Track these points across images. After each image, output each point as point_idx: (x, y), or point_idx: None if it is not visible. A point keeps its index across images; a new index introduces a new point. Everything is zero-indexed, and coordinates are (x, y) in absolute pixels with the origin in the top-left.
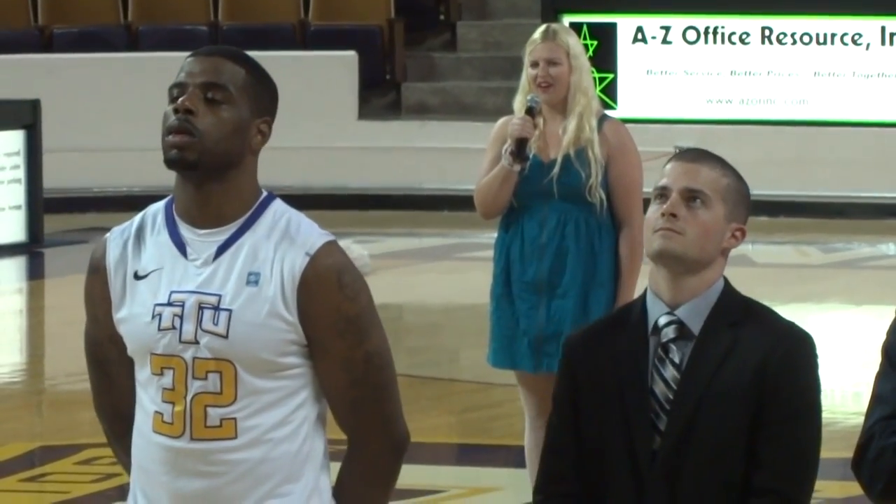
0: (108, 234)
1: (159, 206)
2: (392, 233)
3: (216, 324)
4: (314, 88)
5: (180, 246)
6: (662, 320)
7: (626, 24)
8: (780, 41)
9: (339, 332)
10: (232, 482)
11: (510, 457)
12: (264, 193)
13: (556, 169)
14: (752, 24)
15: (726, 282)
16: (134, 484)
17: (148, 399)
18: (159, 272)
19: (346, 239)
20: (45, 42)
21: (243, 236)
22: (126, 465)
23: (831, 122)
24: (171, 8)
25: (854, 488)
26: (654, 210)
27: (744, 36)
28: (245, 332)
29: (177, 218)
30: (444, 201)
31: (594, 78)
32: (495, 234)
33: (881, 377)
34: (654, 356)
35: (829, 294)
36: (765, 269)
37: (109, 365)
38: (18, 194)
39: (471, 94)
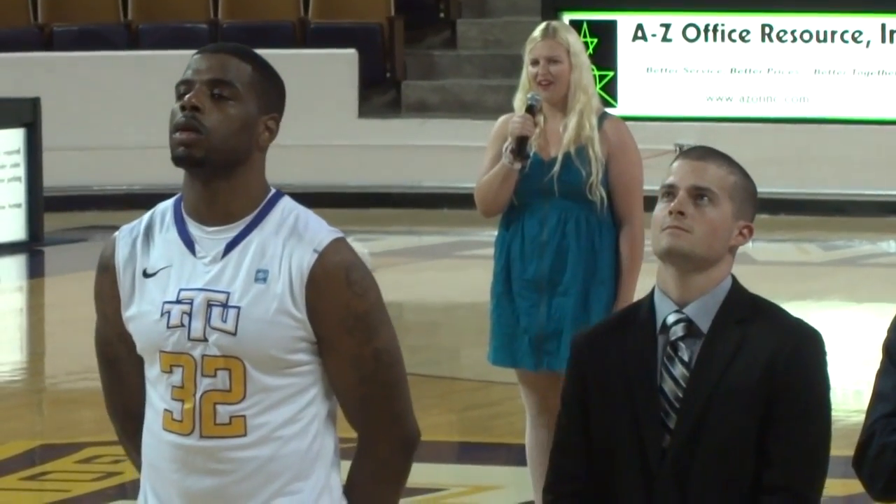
0: (116, 233)
1: (168, 204)
2: (392, 231)
3: (225, 321)
4: (314, 86)
5: (189, 243)
6: (671, 318)
7: (626, 22)
8: (780, 39)
9: (348, 329)
10: (241, 480)
11: (511, 455)
12: (272, 190)
13: (557, 167)
14: (752, 21)
15: (734, 279)
16: (144, 482)
17: (157, 397)
18: (168, 270)
19: (346, 237)
20: (45, 40)
21: (251, 233)
22: (137, 463)
23: (831, 120)
24: (172, 6)
25: (855, 486)
26: (661, 208)
27: (744, 33)
28: (254, 329)
29: (185, 216)
30: (444, 199)
31: (594, 76)
32: (495, 233)
33: (882, 374)
34: (662, 354)
35: (829, 292)
36: (765, 267)
37: (119, 363)
38: (18, 192)
39: (471, 92)
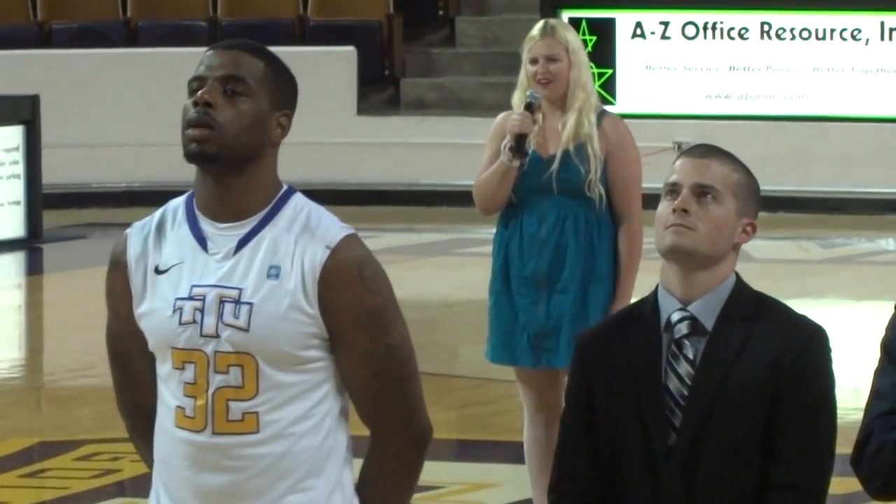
0: (128, 230)
1: (179, 200)
2: (390, 228)
3: (237, 317)
4: (313, 84)
5: (201, 240)
6: (675, 316)
7: (624, 20)
8: (779, 36)
9: (361, 326)
10: (254, 477)
11: (509, 452)
12: (284, 187)
13: (556, 164)
14: (751, 19)
15: (738, 277)
16: (156, 479)
17: (169, 394)
18: (180, 266)
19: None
20: (44, 37)
21: (264, 230)
22: (148, 461)
23: (830, 118)
24: (170, 3)
25: (853, 484)
26: (664, 206)
27: (743, 31)
28: (266, 325)
29: (197, 212)
30: (442, 197)
31: (593, 73)
32: (494, 230)
33: (880, 373)
34: (667, 352)
35: (828, 289)
36: (764, 265)
37: (131, 361)
38: (17, 190)
39: (469, 90)
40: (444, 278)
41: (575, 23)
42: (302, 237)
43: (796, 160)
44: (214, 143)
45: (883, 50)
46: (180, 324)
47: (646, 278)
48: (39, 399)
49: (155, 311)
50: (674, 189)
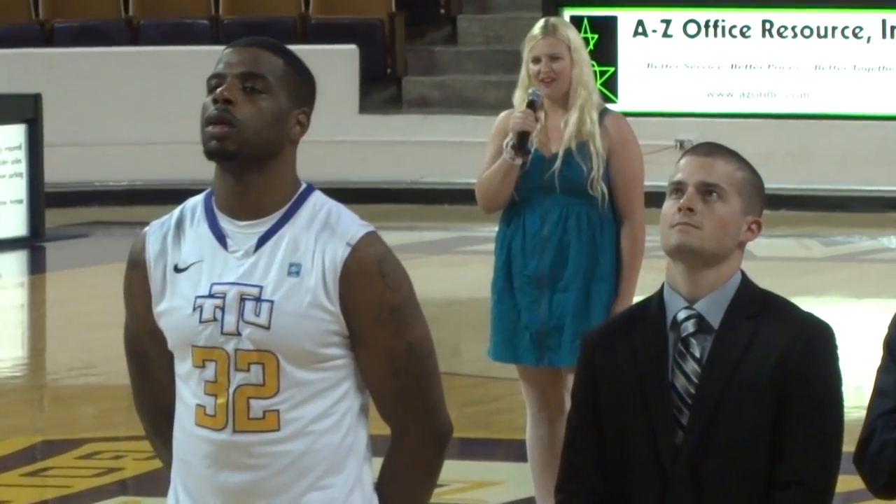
0: (146, 228)
1: (198, 198)
2: (393, 226)
3: (258, 315)
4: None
5: (220, 238)
6: (681, 315)
7: (626, 18)
8: (780, 34)
9: (382, 323)
10: (274, 475)
11: (511, 451)
12: (303, 184)
13: (558, 163)
14: (752, 17)
15: (743, 275)
16: (175, 478)
17: (189, 392)
18: (199, 265)
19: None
20: (46, 36)
21: (284, 227)
22: (166, 460)
23: (832, 116)
24: (172, 2)
25: (856, 482)
26: (669, 205)
27: (744, 29)
28: (287, 322)
29: (216, 210)
30: (444, 195)
31: (595, 71)
32: (496, 228)
33: (882, 371)
34: (674, 351)
35: (830, 287)
36: (766, 263)
37: (149, 360)
38: (20, 188)
39: (472, 88)
40: (447, 276)
41: (577, 21)
42: (322, 235)
43: (798, 158)
44: (234, 140)
45: (884, 48)
46: (200, 322)
47: (648, 276)
48: (42, 398)
49: (174, 310)
50: (679, 188)
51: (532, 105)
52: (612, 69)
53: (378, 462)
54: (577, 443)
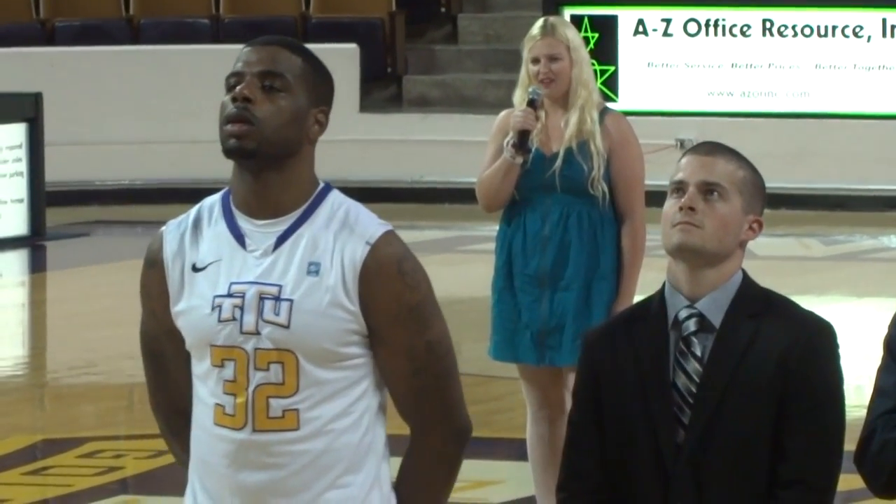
0: (163, 228)
1: (215, 198)
2: (393, 225)
3: (277, 314)
4: None
5: (239, 237)
6: (683, 314)
7: (627, 17)
8: (781, 33)
9: (401, 322)
10: (294, 474)
11: (512, 450)
12: (322, 183)
13: (559, 162)
14: (753, 16)
15: (745, 274)
16: (192, 478)
17: (207, 392)
18: (217, 264)
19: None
20: (47, 35)
21: (302, 226)
22: (182, 460)
23: (832, 115)
24: (173, 1)
25: (856, 481)
26: (671, 204)
27: (745, 28)
28: (307, 321)
29: (234, 209)
30: (445, 194)
31: (595, 70)
32: (497, 227)
33: (883, 371)
34: (675, 350)
35: (830, 286)
36: (767, 262)
37: (166, 360)
38: (20, 187)
39: (472, 87)
40: (447, 275)
41: (577, 20)
42: (341, 234)
43: (798, 157)
44: (253, 138)
45: (885, 47)
46: (219, 321)
47: (649, 275)
48: (42, 396)
49: (193, 309)
50: (680, 187)
51: (532, 104)
52: (612, 68)
53: (395, 462)
54: (578, 442)
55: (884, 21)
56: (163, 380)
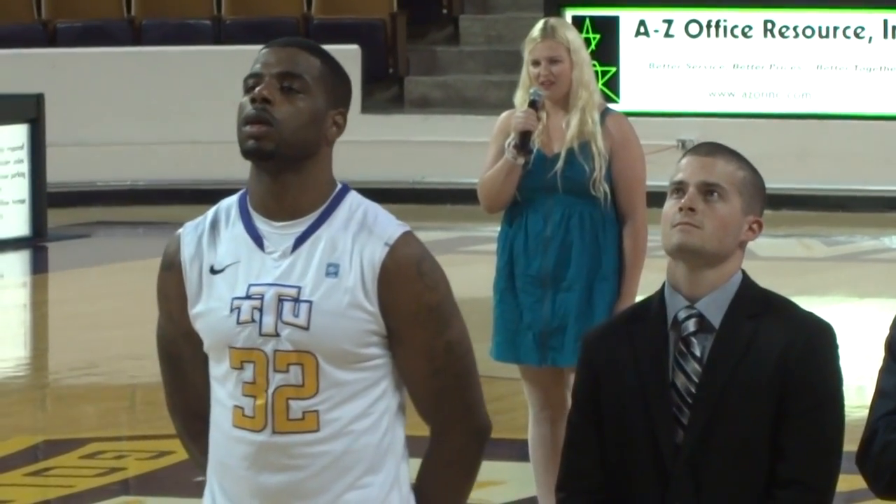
0: (180, 230)
1: (233, 199)
2: None
3: (297, 316)
4: None
5: (257, 239)
6: (682, 314)
7: (628, 18)
8: (782, 34)
9: (421, 322)
10: (315, 475)
11: (513, 450)
12: (339, 185)
13: (560, 163)
14: (754, 17)
15: (744, 274)
16: (211, 479)
17: (226, 394)
18: (236, 266)
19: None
20: (48, 36)
21: (320, 228)
22: (200, 462)
23: (834, 116)
24: (175, 2)
25: (858, 482)
26: (671, 205)
27: (746, 29)
28: (326, 323)
29: (251, 211)
30: (447, 195)
31: (596, 71)
32: (498, 228)
33: (884, 372)
34: (674, 350)
35: (831, 287)
36: (768, 262)
37: (183, 362)
38: (22, 188)
39: (473, 88)
40: (449, 276)
41: (578, 21)
42: (360, 235)
43: (799, 158)
44: (272, 139)
45: (886, 48)
46: (238, 323)
47: (650, 276)
48: (44, 397)
49: (211, 311)
50: (680, 187)
51: (534, 105)
52: (613, 69)
53: (414, 463)
54: (577, 442)
55: (885, 22)
56: (180, 382)
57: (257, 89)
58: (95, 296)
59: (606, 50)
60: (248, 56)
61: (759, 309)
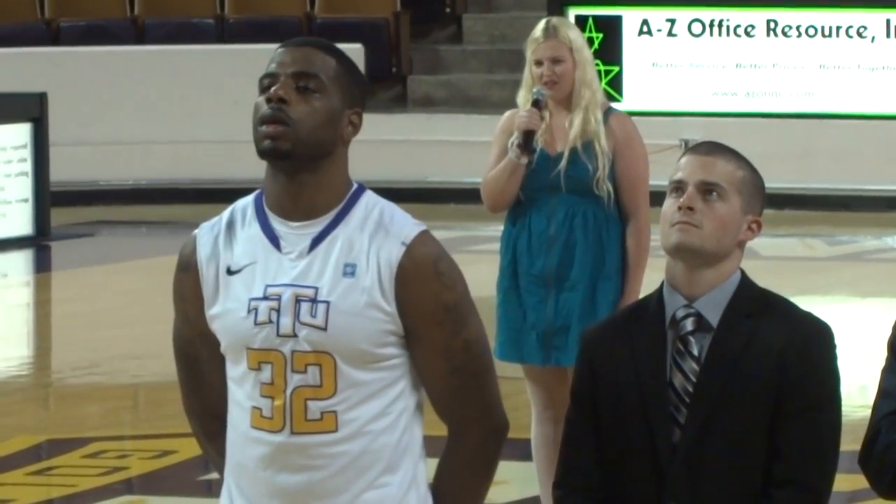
0: (196, 231)
1: (248, 199)
2: None
3: (314, 316)
4: None
5: (273, 239)
6: (680, 313)
7: (631, 17)
8: (785, 34)
9: (438, 322)
10: (333, 475)
11: (516, 450)
12: (355, 185)
13: (564, 162)
14: (757, 16)
15: (743, 274)
16: (229, 480)
17: (244, 395)
18: (252, 266)
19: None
20: (51, 35)
21: (337, 228)
22: (217, 464)
23: (836, 115)
24: (177, 1)
25: (860, 481)
26: (670, 204)
27: (749, 28)
28: (344, 323)
29: (268, 211)
30: (450, 194)
31: (599, 71)
32: (501, 227)
33: (887, 372)
34: (672, 349)
35: (834, 287)
36: (770, 262)
37: (200, 363)
38: (25, 187)
39: (477, 87)
40: None
41: (581, 20)
42: (376, 235)
43: (802, 157)
44: (288, 139)
45: (889, 47)
46: (256, 324)
47: (653, 275)
48: (47, 396)
49: (228, 312)
50: (679, 186)
51: (537, 104)
52: (616, 68)
53: (431, 462)
54: (575, 439)
55: (888, 21)
56: (197, 383)
57: (273, 89)
58: (98, 295)
59: (609, 49)
60: (251, 55)
61: (758, 308)
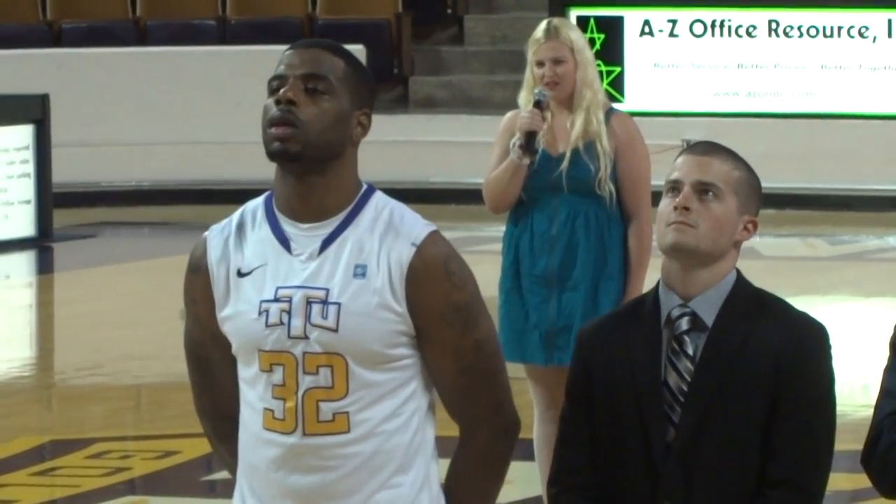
0: (206, 233)
1: (258, 201)
2: None
3: (325, 318)
4: None
5: (283, 241)
6: (676, 312)
7: (633, 18)
8: (786, 34)
9: (449, 321)
10: (345, 476)
11: (519, 450)
12: (365, 186)
13: (566, 162)
14: (758, 16)
15: (739, 274)
16: (241, 481)
17: (256, 397)
18: (263, 268)
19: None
20: (53, 37)
21: (347, 229)
22: (230, 465)
23: (838, 115)
24: (180, 3)
25: (862, 481)
26: (666, 204)
27: (751, 29)
28: (355, 324)
29: (277, 213)
30: (452, 195)
31: (601, 71)
32: (503, 228)
33: (889, 371)
34: (667, 348)
35: (836, 286)
36: (772, 262)
37: (211, 365)
38: (28, 189)
39: (478, 88)
40: None
41: (583, 21)
42: (387, 236)
43: (804, 157)
44: (298, 141)
45: (890, 47)
46: (267, 326)
47: (655, 275)
48: (50, 397)
49: (239, 315)
50: (675, 186)
51: (539, 105)
52: (618, 69)
53: (443, 462)
54: (569, 437)
55: (889, 21)
56: (209, 385)
57: (282, 91)
58: (101, 296)
59: (611, 50)
60: (253, 56)
61: (753, 308)
